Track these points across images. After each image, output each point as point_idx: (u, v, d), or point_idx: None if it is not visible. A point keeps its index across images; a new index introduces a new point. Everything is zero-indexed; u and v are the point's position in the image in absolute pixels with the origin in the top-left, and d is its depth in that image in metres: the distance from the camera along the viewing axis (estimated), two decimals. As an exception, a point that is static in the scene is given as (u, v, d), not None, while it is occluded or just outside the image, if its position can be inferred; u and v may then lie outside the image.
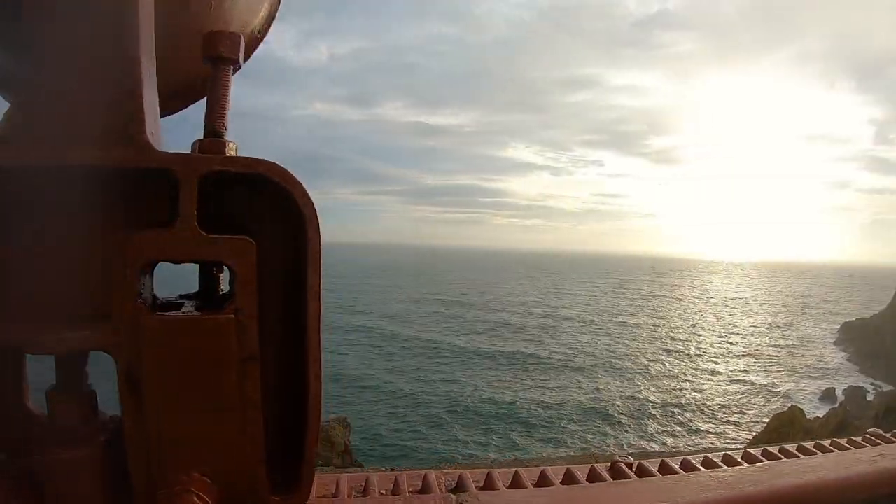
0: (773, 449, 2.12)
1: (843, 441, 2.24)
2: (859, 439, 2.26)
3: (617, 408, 48.15)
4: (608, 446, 39.57)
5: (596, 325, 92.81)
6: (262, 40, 1.89)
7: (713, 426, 46.65)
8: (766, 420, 37.51)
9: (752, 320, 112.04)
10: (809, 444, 2.15)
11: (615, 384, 55.58)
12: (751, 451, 2.10)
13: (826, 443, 2.21)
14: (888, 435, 2.24)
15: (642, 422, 46.03)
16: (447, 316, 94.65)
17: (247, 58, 1.52)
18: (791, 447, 2.19)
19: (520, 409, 46.10)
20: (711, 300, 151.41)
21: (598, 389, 53.02)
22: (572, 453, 32.60)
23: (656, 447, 38.22)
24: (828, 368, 72.44)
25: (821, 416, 36.90)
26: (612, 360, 65.74)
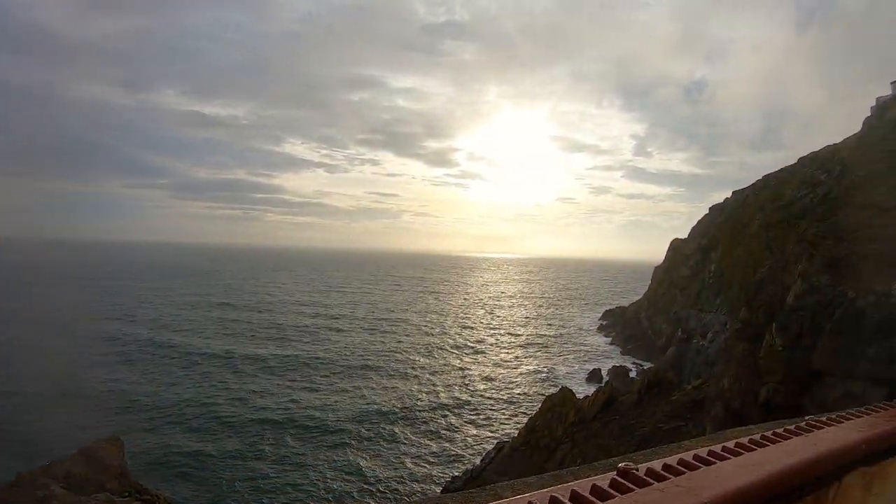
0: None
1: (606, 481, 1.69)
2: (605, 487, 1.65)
3: (393, 405, 48.30)
4: (385, 443, 39.90)
5: (369, 323, 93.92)
6: None
7: (491, 413, 48.16)
8: (540, 402, 37.70)
9: (522, 313, 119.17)
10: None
11: (390, 382, 55.86)
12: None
13: (585, 490, 1.65)
14: (641, 474, 1.71)
15: (419, 415, 46.28)
16: (218, 319, 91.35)
17: None
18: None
19: (296, 413, 45.16)
20: (482, 295, 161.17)
21: (374, 389, 53.16)
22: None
23: (432, 443, 40.36)
24: (593, 352, 77.36)
25: (589, 394, 37.12)
26: (386, 358, 66.05)
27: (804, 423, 2.33)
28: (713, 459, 1.87)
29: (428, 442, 40.83)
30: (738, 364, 24.31)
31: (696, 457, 1.89)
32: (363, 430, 42.18)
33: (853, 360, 16.45)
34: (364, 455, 37.77)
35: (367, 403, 48.26)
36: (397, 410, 46.84)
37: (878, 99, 46.52)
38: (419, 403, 49.05)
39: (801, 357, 18.90)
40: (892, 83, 49.31)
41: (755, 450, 2.00)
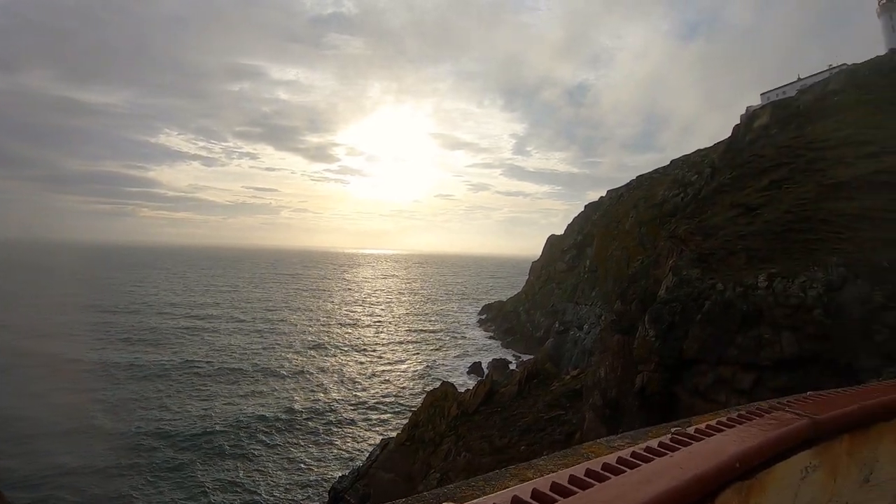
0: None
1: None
2: None
3: (273, 408, 46.98)
4: (267, 449, 38.75)
5: (247, 323, 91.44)
6: None
7: (374, 411, 47.94)
8: (423, 397, 37.67)
9: (401, 309, 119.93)
10: None
11: (268, 385, 54.34)
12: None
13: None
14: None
15: (299, 418, 45.24)
16: (90, 323, 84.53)
17: None
18: None
19: (172, 421, 42.92)
20: (362, 292, 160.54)
21: (252, 392, 51.52)
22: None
23: (315, 446, 39.60)
24: (474, 345, 78.46)
25: (471, 387, 37.24)
26: (263, 360, 64.37)
27: (669, 437, 2.09)
28: (555, 496, 1.56)
29: (311, 445, 39.97)
30: (614, 354, 25.26)
31: (535, 493, 1.58)
32: (242, 435, 40.68)
33: (722, 347, 17.49)
34: (245, 463, 36.41)
35: (246, 407, 46.69)
36: (277, 413, 45.57)
37: (748, 108, 50.99)
38: (299, 405, 47.97)
39: (673, 346, 19.80)
40: (761, 94, 54.24)
41: (609, 478, 1.70)
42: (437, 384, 39.51)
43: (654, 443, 2.01)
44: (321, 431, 42.58)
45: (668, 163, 60.40)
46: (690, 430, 2.18)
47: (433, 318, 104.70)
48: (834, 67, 50.99)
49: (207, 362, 60.99)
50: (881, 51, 48.80)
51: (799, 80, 53.54)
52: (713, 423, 2.28)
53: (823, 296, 15.08)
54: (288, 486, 33.15)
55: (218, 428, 41.64)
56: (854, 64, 48.26)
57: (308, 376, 57.82)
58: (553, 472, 2.05)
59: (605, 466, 1.77)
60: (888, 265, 14.93)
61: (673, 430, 2.16)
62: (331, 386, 54.51)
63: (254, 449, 38.63)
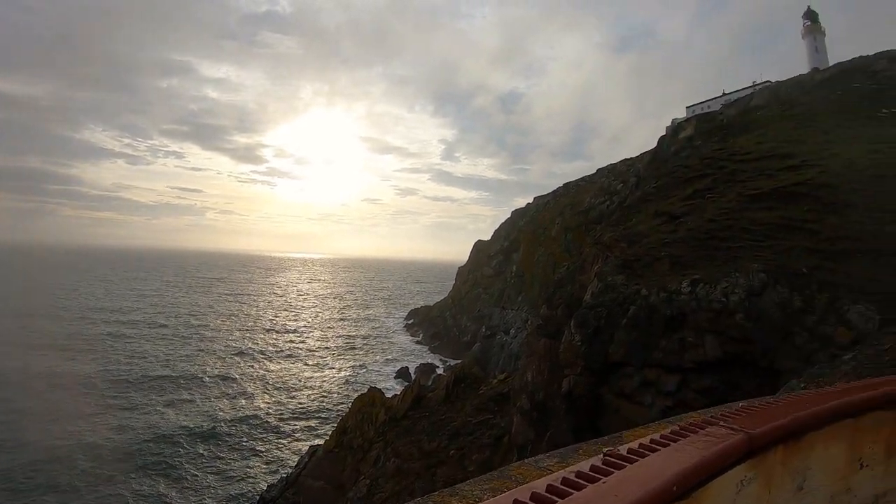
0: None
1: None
2: None
3: (197, 419, 45.31)
4: (191, 462, 37.24)
5: (170, 329, 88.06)
6: None
7: (301, 418, 47.33)
8: (351, 403, 37.33)
9: (328, 314, 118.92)
10: None
11: (191, 394, 52.43)
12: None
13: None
14: None
15: (225, 428, 43.80)
16: (2, 329, 78.90)
17: None
18: None
19: (90, 435, 40.46)
20: (288, 297, 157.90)
21: (173, 402, 49.44)
22: None
23: (240, 457, 38.44)
24: (401, 350, 78.51)
25: (399, 392, 37.16)
26: (186, 368, 61.96)
27: (601, 459, 1.99)
28: None
29: (237, 454, 38.87)
30: (541, 358, 25.49)
31: None
32: (166, 446, 39.07)
33: (647, 351, 17.91)
34: (170, 474, 34.96)
35: (170, 417, 45.09)
36: (202, 423, 44.10)
37: (673, 120, 53.08)
38: (225, 413, 46.62)
39: (598, 350, 20.14)
40: (687, 107, 56.54)
41: None
42: (365, 389, 39.19)
43: (585, 466, 1.92)
44: (248, 439, 41.55)
45: (595, 171, 62.22)
46: (623, 449, 2.10)
47: (360, 323, 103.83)
48: (757, 84, 53.81)
49: (129, 370, 58.23)
50: (805, 69, 51.51)
51: (724, 94, 56.30)
52: (646, 441, 2.21)
53: (745, 300, 15.65)
54: (215, 498, 32.04)
55: (141, 438, 39.92)
56: (777, 81, 50.95)
57: (233, 383, 56.19)
58: (479, 498, 1.87)
59: (534, 497, 1.65)
60: (806, 271, 15.66)
61: (605, 450, 2.07)
62: (256, 393, 53.22)
63: (178, 460, 37.09)
